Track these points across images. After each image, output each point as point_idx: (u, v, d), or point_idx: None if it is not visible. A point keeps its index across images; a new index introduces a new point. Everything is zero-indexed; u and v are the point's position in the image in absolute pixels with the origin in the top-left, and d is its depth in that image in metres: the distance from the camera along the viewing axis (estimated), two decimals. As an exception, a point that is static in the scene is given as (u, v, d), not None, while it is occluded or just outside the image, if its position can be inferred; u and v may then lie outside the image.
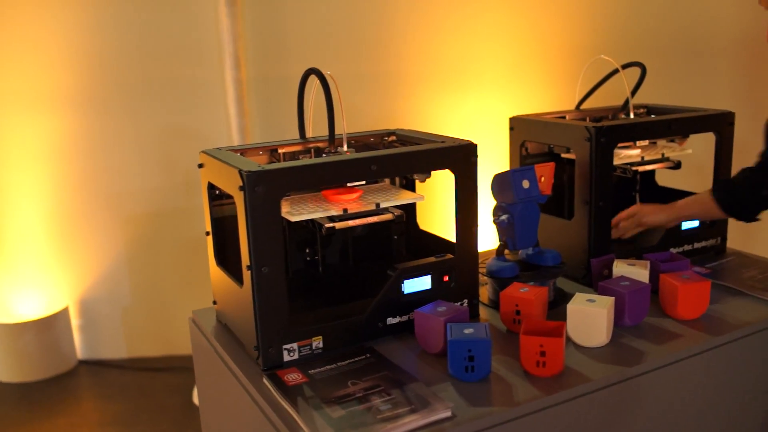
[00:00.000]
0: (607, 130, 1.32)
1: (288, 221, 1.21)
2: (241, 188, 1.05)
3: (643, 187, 1.70)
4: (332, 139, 1.21)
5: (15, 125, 2.70)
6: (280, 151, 1.29)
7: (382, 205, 1.18)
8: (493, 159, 2.23)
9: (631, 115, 1.53)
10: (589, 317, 1.12)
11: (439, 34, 2.69)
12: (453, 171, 1.19)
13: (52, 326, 2.82)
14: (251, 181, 1.04)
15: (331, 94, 1.16)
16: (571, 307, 1.13)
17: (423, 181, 1.31)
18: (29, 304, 2.84)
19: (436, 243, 1.36)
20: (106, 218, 2.83)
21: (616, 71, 1.54)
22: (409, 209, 1.42)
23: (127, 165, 2.78)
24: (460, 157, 1.18)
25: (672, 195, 1.63)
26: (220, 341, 1.23)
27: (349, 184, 1.20)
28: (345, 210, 1.15)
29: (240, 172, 1.04)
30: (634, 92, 1.52)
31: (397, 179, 1.38)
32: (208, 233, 1.28)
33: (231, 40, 2.52)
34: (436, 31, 2.68)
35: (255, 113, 2.67)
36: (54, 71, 2.66)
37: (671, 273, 1.24)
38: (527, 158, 1.55)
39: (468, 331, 1.05)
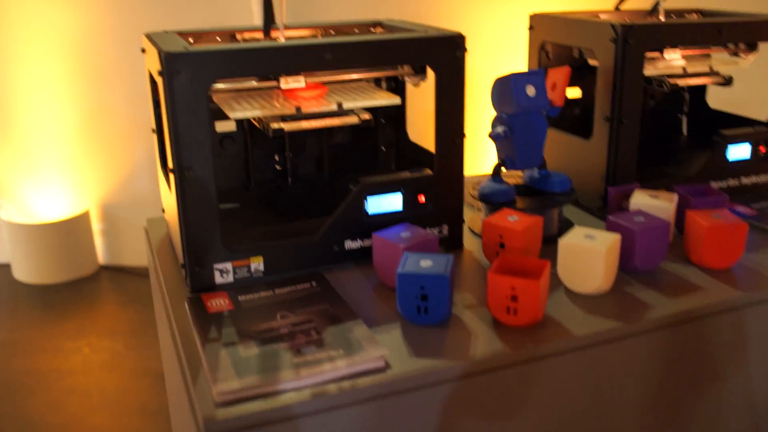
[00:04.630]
0: (638, 29, 1.07)
1: (250, 122, 1.04)
2: (161, 73, 0.86)
3: (692, 107, 1.44)
4: (267, 29, 0.99)
5: (36, 17, 2.56)
6: (238, 36, 1.10)
7: (346, 106, 0.98)
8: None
9: (661, 19, 1.26)
10: (584, 257, 0.90)
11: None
12: (432, 68, 0.97)
13: (73, 229, 2.74)
14: (170, 65, 0.85)
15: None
16: (563, 243, 0.92)
17: (416, 84, 1.10)
18: (50, 206, 2.77)
19: (429, 159, 1.16)
20: (132, 120, 2.70)
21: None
22: (397, 118, 1.21)
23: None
24: (442, 51, 0.96)
25: (724, 119, 1.37)
26: (160, 255, 1.07)
27: (316, 80, 1.01)
28: (298, 109, 0.96)
29: (160, 54, 0.86)
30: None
31: (384, 82, 1.17)
32: (153, 130, 1.11)
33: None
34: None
35: None
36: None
37: (700, 210, 1.01)
38: (549, 65, 1.31)
39: (425, 263, 0.85)
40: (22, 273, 2.74)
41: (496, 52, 2.45)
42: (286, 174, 1.17)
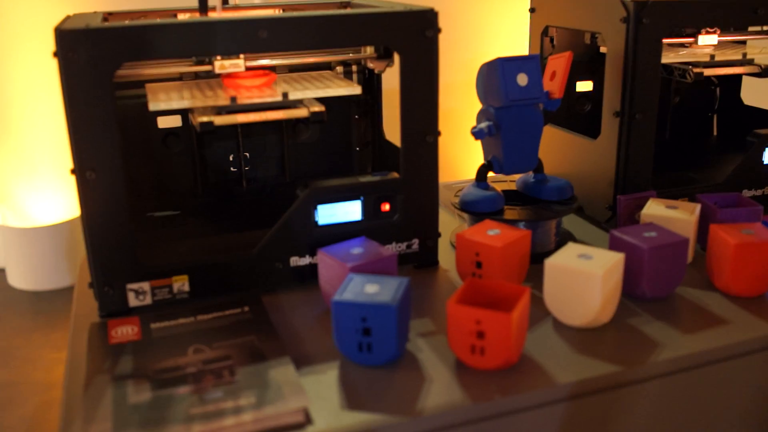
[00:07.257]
0: (653, 6, 0.89)
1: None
2: (55, 54, 0.71)
3: (723, 104, 1.25)
4: (203, 6, 0.83)
5: (31, 15, 2.45)
6: (180, 16, 0.94)
7: (293, 96, 0.82)
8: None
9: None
10: (576, 281, 0.73)
11: None
12: (397, 50, 0.80)
13: (70, 233, 2.62)
14: (65, 44, 0.69)
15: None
16: (550, 264, 0.75)
17: (381, 71, 0.94)
18: (48, 209, 2.65)
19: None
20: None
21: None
22: (374, 113, 1.04)
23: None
24: (408, 30, 0.79)
25: (761, 118, 1.18)
26: (83, 272, 0.92)
27: (260, 64, 0.85)
28: (233, 99, 0.79)
29: (56, 32, 0.70)
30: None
31: (355, 72, 1.01)
32: (83, 125, 0.95)
33: None
34: None
35: None
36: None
37: (727, 224, 0.83)
38: (554, 54, 1.13)
39: (371, 288, 0.68)
40: (17, 278, 2.63)
41: (500, 41, 2.27)
42: (242, 177, 1.02)
